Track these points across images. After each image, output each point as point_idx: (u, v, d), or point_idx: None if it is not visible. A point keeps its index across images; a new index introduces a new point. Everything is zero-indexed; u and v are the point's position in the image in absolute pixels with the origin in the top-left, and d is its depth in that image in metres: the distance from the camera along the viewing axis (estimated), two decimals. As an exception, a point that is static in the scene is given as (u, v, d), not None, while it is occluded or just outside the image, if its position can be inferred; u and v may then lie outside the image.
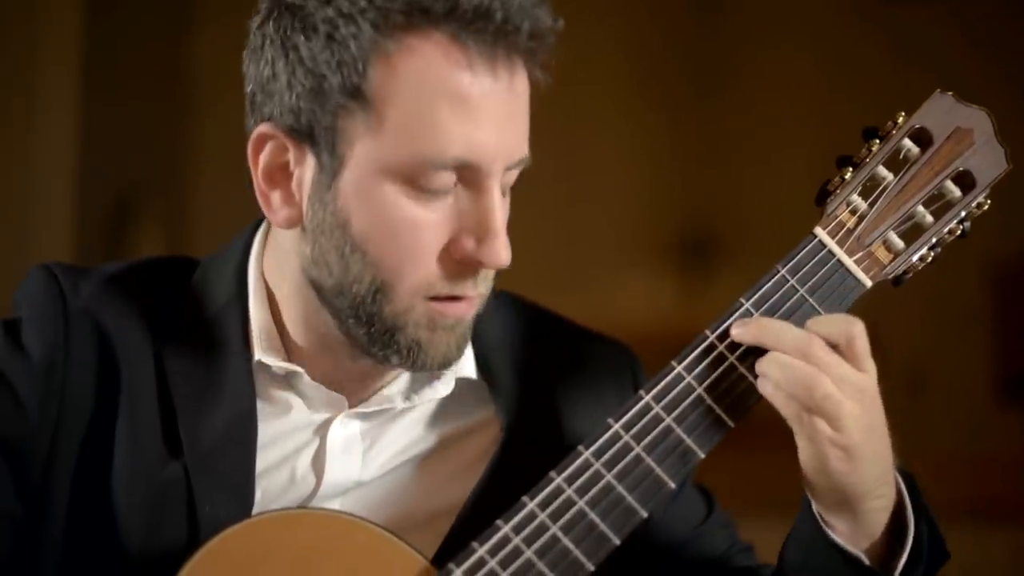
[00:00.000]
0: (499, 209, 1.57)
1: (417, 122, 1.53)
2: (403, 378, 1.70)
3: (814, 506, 1.58)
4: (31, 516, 1.62)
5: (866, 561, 1.57)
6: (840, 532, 1.57)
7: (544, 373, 1.76)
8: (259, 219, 1.73)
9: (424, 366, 1.62)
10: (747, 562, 1.82)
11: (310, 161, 1.58)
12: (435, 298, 1.58)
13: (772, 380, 1.52)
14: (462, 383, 1.71)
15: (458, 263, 1.57)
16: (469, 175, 1.55)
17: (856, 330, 1.53)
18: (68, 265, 1.71)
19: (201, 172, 4.90)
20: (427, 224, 1.56)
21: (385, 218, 1.55)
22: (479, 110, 1.53)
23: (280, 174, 1.60)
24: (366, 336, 1.61)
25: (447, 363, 1.63)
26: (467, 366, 1.71)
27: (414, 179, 1.54)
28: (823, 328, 1.53)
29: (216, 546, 1.51)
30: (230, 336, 1.67)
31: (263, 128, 1.59)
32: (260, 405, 1.66)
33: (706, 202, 5.11)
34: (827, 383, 1.50)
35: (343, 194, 1.56)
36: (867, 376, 1.53)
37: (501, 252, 1.56)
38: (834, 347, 1.53)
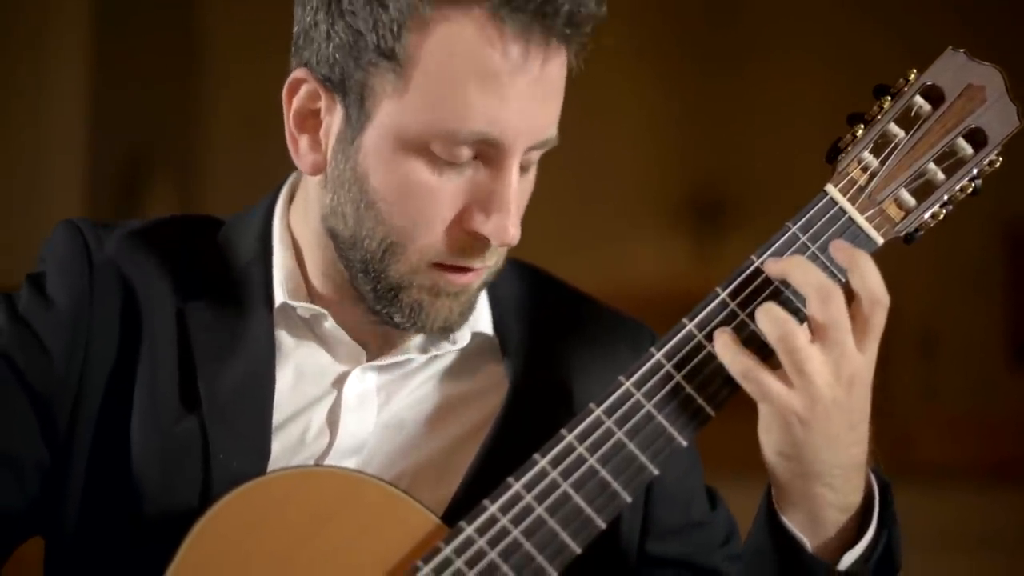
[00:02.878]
0: (513, 187, 1.58)
1: (442, 92, 1.55)
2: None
3: (774, 495, 1.57)
4: (56, 465, 1.65)
5: (807, 544, 1.56)
6: (795, 524, 1.56)
7: (557, 339, 1.76)
8: (283, 181, 1.76)
9: (424, 328, 1.65)
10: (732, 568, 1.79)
11: (339, 112, 1.61)
12: (442, 265, 1.61)
13: (756, 312, 1.51)
14: (479, 338, 1.73)
15: (468, 235, 1.59)
16: (488, 150, 1.57)
17: (883, 304, 1.51)
18: (93, 220, 1.73)
19: (212, 133, 4.91)
20: (441, 192, 1.58)
21: (401, 181, 1.58)
22: (506, 88, 1.55)
23: (310, 120, 1.64)
24: (372, 292, 1.63)
25: (447, 328, 1.66)
26: (483, 321, 1.73)
27: (432, 147, 1.56)
28: (862, 280, 1.51)
29: (228, 503, 1.52)
30: (253, 290, 1.69)
31: (299, 73, 1.63)
32: (279, 356, 1.68)
33: (717, 163, 5.11)
34: (799, 334, 1.49)
35: (364, 150, 1.59)
36: (861, 358, 1.50)
37: (509, 230, 1.58)
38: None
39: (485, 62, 1.54)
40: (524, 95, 1.56)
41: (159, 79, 4.69)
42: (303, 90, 1.63)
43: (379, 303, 1.64)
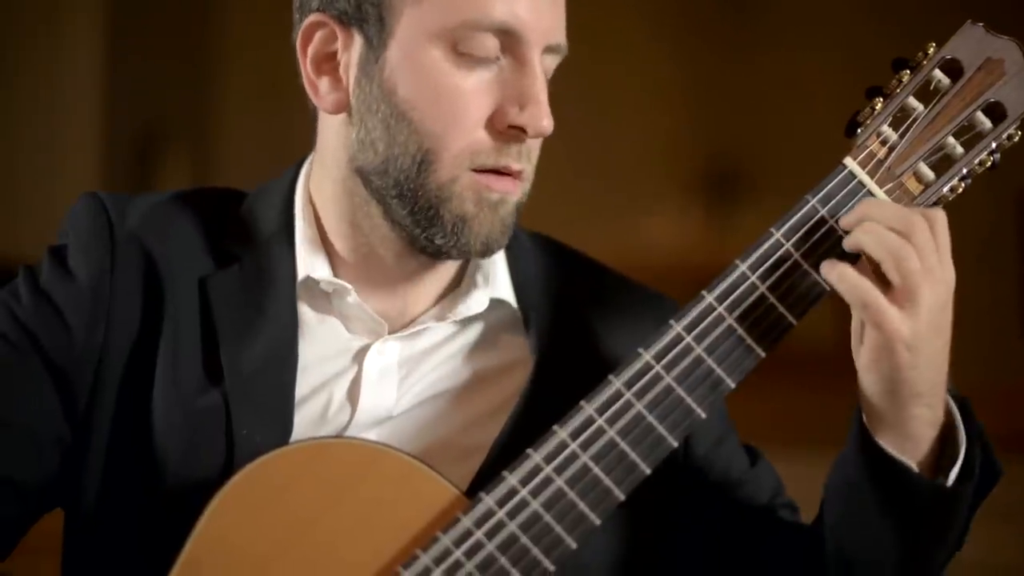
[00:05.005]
0: (540, 79, 1.62)
1: None
2: (440, 303, 1.72)
3: (867, 423, 1.57)
4: (76, 439, 1.65)
5: (913, 466, 1.56)
6: (888, 446, 1.56)
7: (581, 313, 1.76)
8: (303, 157, 1.76)
9: (468, 246, 1.65)
10: (789, 516, 1.79)
11: (357, 42, 1.64)
12: (480, 170, 1.63)
13: (861, 243, 1.53)
14: (500, 312, 1.73)
15: (502, 133, 1.62)
16: (510, 44, 1.61)
17: (944, 220, 1.55)
18: (116, 193, 1.73)
19: (226, 106, 4.91)
20: (471, 90, 1.61)
21: (430, 84, 1.61)
22: None
23: (327, 63, 1.67)
24: (410, 217, 1.64)
25: (489, 246, 1.66)
26: (503, 288, 1.73)
27: (458, 43, 1.60)
28: (930, 214, 1.54)
29: (248, 474, 1.53)
30: (276, 264, 1.69)
31: (312, 18, 1.66)
32: (301, 331, 1.68)
33: (732, 135, 5.11)
34: (915, 258, 1.51)
35: (390, 64, 1.62)
36: (952, 275, 1.54)
37: (543, 118, 1.62)
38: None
39: None
40: None
41: (173, 54, 4.70)
42: (318, 36, 1.66)
43: (418, 226, 1.64)
